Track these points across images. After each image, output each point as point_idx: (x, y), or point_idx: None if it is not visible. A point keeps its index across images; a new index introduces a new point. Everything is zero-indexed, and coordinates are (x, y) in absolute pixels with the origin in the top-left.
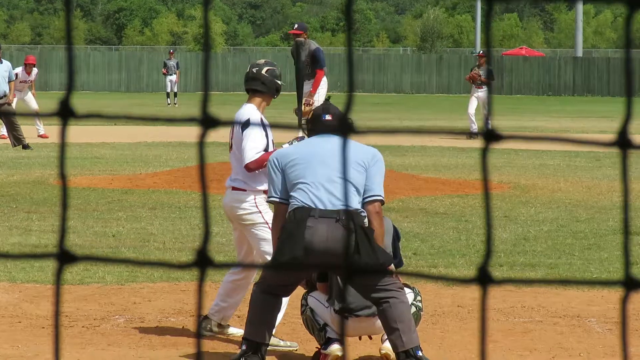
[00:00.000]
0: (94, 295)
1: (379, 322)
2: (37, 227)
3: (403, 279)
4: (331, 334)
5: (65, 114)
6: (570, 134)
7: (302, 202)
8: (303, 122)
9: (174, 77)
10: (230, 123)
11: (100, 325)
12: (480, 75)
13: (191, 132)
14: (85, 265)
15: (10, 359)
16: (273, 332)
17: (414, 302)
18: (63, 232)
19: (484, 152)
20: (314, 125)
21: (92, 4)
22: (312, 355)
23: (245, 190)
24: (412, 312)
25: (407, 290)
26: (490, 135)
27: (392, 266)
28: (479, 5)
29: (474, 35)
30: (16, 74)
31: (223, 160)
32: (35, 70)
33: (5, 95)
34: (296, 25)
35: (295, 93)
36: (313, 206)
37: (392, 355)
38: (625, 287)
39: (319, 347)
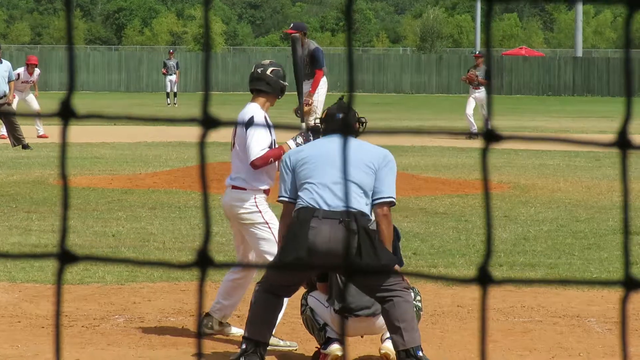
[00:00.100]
0: (93, 295)
1: (378, 322)
2: (37, 226)
3: None
4: (331, 333)
5: (66, 114)
6: (570, 134)
7: (307, 202)
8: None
9: (173, 77)
10: (231, 124)
11: (100, 325)
12: (477, 76)
13: (191, 132)
14: (85, 265)
15: (9, 358)
16: (273, 332)
17: (414, 301)
18: (64, 232)
19: (484, 152)
20: (327, 124)
21: (91, 3)
22: (312, 355)
23: (245, 189)
24: None
25: None
26: (490, 136)
27: (397, 267)
28: (478, 5)
29: (473, 35)
30: (18, 74)
31: (223, 160)
32: (37, 71)
33: (5, 95)
34: (292, 25)
35: (296, 92)
36: (317, 207)
37: (392, 355)
38: (625, 287)
39: (319, 346)
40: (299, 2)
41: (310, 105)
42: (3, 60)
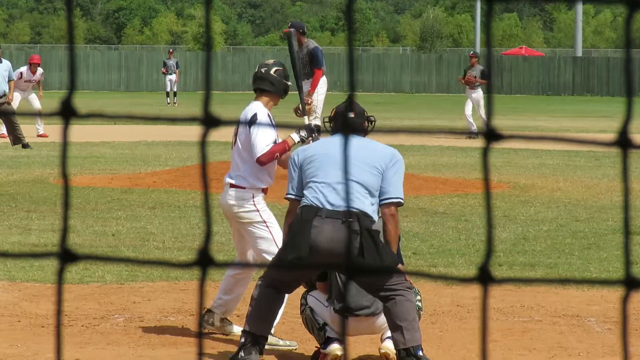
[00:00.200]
0: (93, 295)
1: (378, 322)
2: (37, 226)
3: None
4: (331, 333)
5: (67, 113)
6: (570, 134)
7: (310, 201)
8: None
9: (173, 77)
10: (233, 123)
11: (100, 324)
12: (475, 77)
13: (191, 132)
14: (85, 265)
15: (9, 358)
16: (272, 331)
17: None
18: (65, 231)
19: (485, 151)
20: (336, 123)
21: (91, 3)
22: (311, 354)
23: (244, 187)
24: None
25: None
26: (491, 135)
27: (401, 266)
28: (478, 5)
29: (473, 34)
30: (20, 73)
31: (223, 160)
32: (40, 70)
33: (5, 95)
34: (290, 24)
35: (296, 92)
36: (321, 206)
37: (392, 354)
38: (625, 287)
39: (319, 346)
40: (299, 1)
41: (310, 104)
42: (3, 60)
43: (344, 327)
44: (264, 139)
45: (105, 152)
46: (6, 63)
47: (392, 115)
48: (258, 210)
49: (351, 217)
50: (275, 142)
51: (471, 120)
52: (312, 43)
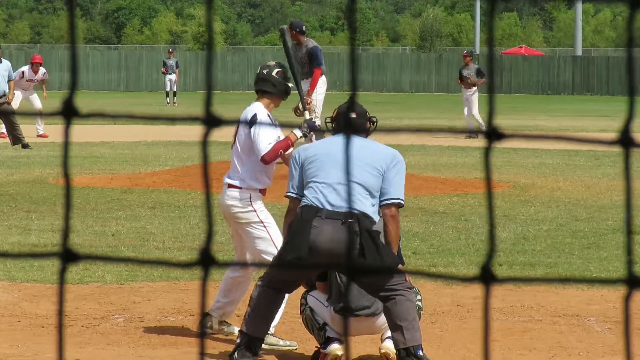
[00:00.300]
0: (93, 295)
1: (378, 322)
2: (37, 226)
3: None
4: (331, 333)
5: (68, 113)
6: (570, 133)
7: (310, 201)
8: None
9: (173, 77)
10: (234, 122)
11: (100, 324)
12: (476, 83)
13: (191, 132)
14: (85, 265)
15: (9, 358)
16: (272, 331)
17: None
18: (67, 230)
19: (487, 150)
20: (338, 123)
21: (91, 3)
22: (311, 354)
23: (241, 188)
24: None
25: None
26: (492, 134)
27: (401, 267)
28: (478, 4)
29: (473, 34)
30: (22, 72)
31: (223, 160)
32: (42, 70)
33: (4, 95)
34: (290, 24)
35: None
36: (321, 206)
37: (392, 354)
38: (628, 285)
39: (319, 346)
40: (298, 1)
41: (310, 104)
42: (3, 60)
43: (347, 327)
44: (265, 138)
45: (105, 152)
46: (6, 63)
47: (391, 114)
48: (255, 211)
49: (351, 218)
50: (277, 139)
51: (478, 118)
52: (311, 42)
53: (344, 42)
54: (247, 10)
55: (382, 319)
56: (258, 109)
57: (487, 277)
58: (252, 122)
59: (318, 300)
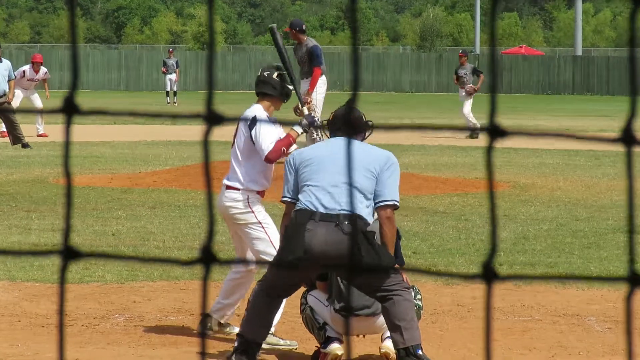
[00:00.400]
0: (93, 294)
1: (378, 322)
2: (37, 225)
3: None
4: (331, 332)
5: (69, 111)
6: (570, 133)
7: (304, 204)
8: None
9: (173, 76)
10: (235, 120)
11: (100, 324)
12: (478, 88)
13: (191, 131)
14: (85, 264)
15: (9, 357)
16: (272, 330)
17: (414, 300)
18: (68, 228)
19: (489, 148)
20: (333, 126)
21: (91, 2)
22: (311, 354)
23: (238, 189)
24: None
25: None
26: (495, 132)
27: (398, 266)
28: (478, 4)
29: (473, 34)
30: (23, 71)
31: (224, 159)
32: (43, 69)
33: (4, 94)
34: (290, 22)
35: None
36: (315, 209)
37: (392, 354)
38: (629, 284)
39: (319, 346)
40: (299, 0)
41: (309, 104)
42: (3, 59)
43: (348, 327)
44: (267, 137)
45: (105, 152)
46: (6, 62)
47: (391, 114)
48: (253, 212)
49: (345, 220)
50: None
51: (470, 118)
52: (311, 41)
53: (344, 42)
54: (247, 9)
55: (382, 319)
56: (257, 111)
57: (489, 275)
58: (253, 124)
59: (318, 300)
